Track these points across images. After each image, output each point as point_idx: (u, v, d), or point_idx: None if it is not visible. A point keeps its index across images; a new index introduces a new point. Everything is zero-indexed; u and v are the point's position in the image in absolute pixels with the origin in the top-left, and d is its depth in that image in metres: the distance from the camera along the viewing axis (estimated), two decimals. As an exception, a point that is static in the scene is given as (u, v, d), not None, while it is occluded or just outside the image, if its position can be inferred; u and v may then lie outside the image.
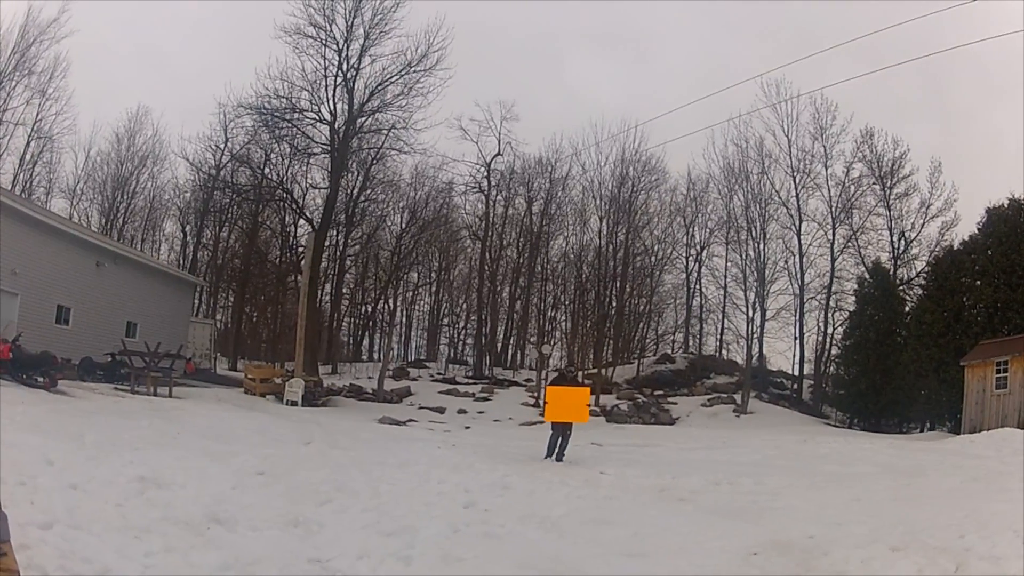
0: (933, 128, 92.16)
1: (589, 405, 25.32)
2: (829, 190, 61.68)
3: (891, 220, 59.99)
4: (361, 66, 55.54)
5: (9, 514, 3.58)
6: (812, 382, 62.15)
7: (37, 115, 61.90)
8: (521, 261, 75.79)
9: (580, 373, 48.33)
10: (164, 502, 10.59)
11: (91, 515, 9.14)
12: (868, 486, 17.18)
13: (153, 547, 8.42)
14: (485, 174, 73.04)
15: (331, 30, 54.20)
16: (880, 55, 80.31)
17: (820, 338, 63.15)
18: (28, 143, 62.64)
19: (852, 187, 61.11)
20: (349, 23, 54.63)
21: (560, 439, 22.00)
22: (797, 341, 62.86)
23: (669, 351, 69.66)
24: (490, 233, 74.75)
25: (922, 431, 45.83)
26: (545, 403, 26.00)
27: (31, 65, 59.11)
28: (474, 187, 74.10)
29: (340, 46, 54.69)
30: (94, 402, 24.94)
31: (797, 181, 61.96)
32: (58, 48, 60.31)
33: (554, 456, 21.79)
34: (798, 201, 61.71)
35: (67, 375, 29.56)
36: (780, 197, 62.09)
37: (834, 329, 61.23)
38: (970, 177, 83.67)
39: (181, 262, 70.85)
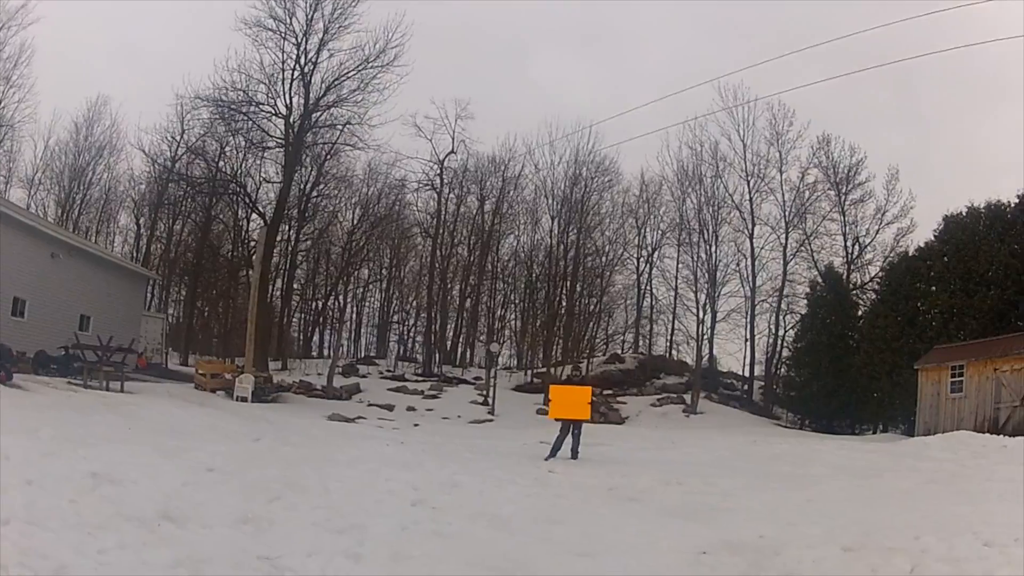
0: (896, 137, 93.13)
1: (591, 403, 25.08)
2: (783, 195, 62.50)
3: (845, 225, 60.80)
4: (319, 60, 55.89)
5: None
6: (763, 383, 62.66)
7: (0, 103, 61.56)
8: (472, 259, 76.12)
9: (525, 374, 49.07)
10: (117, 498, 10.58)
11: (47, 511, 9.16)
12: (821, 487, 17.54)
13: (107, 544, 8.43)
14: (438, 172, 73.01)
15: (291, 23, 54.45)
16: (844, 63, 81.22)
17: (771, 340, 63.73)
18: None
19: (807, 192, 61.96)
20: (309, 16, 54.88)
21: (570, 437, 22.77)
22: (748, 343, 63.51)
23: (619, 351, 69.85)
24: (441, 231, 74.81)
25: (875, 433, 46.44)
26: (549, 401, 27.39)
27: None
28: (427, 184, 74.05)
29: (299, 39, 54.94)
30: (49, 396, 24.79)
31: (751, 185, 62.79)
32: (24, 35, 60.22)
33: (568, 454, 22.56)
34: (751, 205, 62.47)
35: (22, 368, 29.47)
36: (733, 200, 62.95)
37: (785, 332, 61.85)
38: (930, 187, 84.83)
39: (134, 255, 70.56)
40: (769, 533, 11.72)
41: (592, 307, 69.34)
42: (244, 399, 37.87)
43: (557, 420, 24.06)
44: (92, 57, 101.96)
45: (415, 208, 77.80)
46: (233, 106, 54.85)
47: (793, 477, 19.88)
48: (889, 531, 11.54)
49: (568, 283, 67.06)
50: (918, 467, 22.19)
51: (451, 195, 75.76)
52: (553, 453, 22.67)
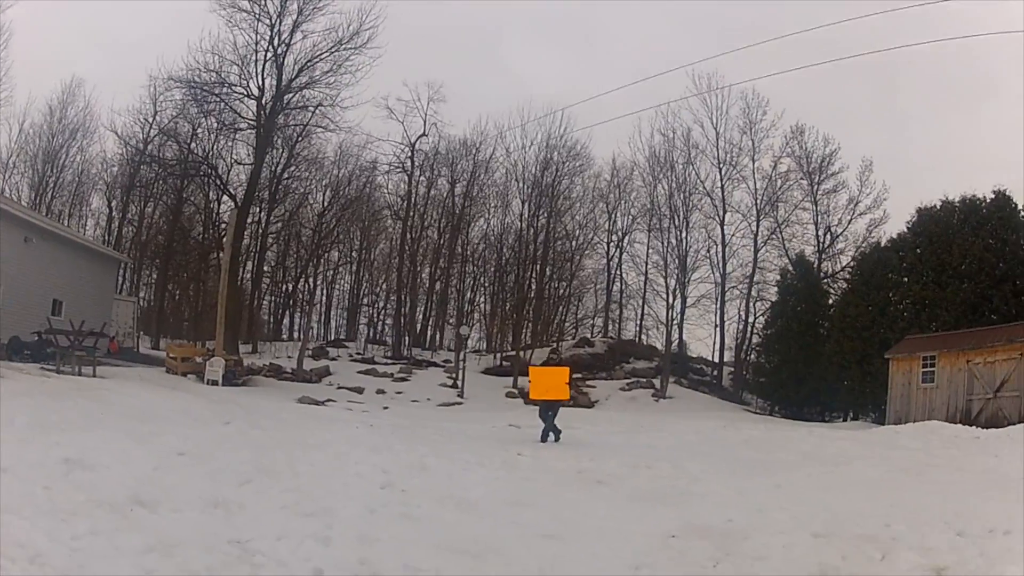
0: (872, 131, 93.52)
1: (569, 384, 25.83)
2: (755, 183, 62.95)
3: (817, 215, 61.32)
4: (292, 41, 55.70)
5: None
6: (732, 369, 62.99)
7: None
8: (442, 242, 76.15)
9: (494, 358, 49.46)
10: (89, 484, 10.68)
11: (21, 498, 9.30)
12: (789, 474, 17.67)
13: (79, 530, 8.53)
14: (409, 154, 72.98)
15: (265, 3, 54.22)
16: (820, 55, 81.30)
17: (741, 326, 64.16)
18: None
19: (779, 181, 62.44)
20: None
21: (548, 418, 23.32)
22: (718, 329, 63.90)
23: (588, 335, 70.15)
24: (412, 213, 74.85)
25: (845, 420, 46.68)
26: (529, 383, 27.11)
27: None
28: (398, 167, 74.18)
29: (273, 21, 54.66)
30: (22, 383, 24.72)
31: (723, 173, 63.22)
32: (1, 18, 58.99)
33: (552, 438, 22.97)
34: (723, 192, 62.92)
35: (-3, 355, 29.53)
36: (705, 187, 63.30)
37: (755, 318, 62.34)
38: (905, 181, 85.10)
39: (106, 238, 70.24)
40: (738, 518, 11.92)
41: (562, 291, 69.73)
42: (215, 383, 37.90)
43: (535, 403, 25.00)
44: (67, 39, 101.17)
45: (386, 191, 78.14)
46: (205, 87, 54.64)
47: (762, 463, 20.00)
48: (859, 519, 11.75)
49: (538, 267, 67.32)
50: (889, 456, 22.34)
51: (422, 178, 75.96)
52: (544, 437, 23.03)
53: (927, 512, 12.10)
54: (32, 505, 9.20)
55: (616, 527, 11.37)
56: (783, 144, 62.65)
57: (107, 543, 8.37)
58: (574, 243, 69.59)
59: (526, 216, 69.48)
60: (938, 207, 45.23)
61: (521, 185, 71.03)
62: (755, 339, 60.73)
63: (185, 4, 74.90)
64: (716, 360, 65.85)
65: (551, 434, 23.17)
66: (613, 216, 71.05)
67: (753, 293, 62.43)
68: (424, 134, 72.36)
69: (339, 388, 47.11)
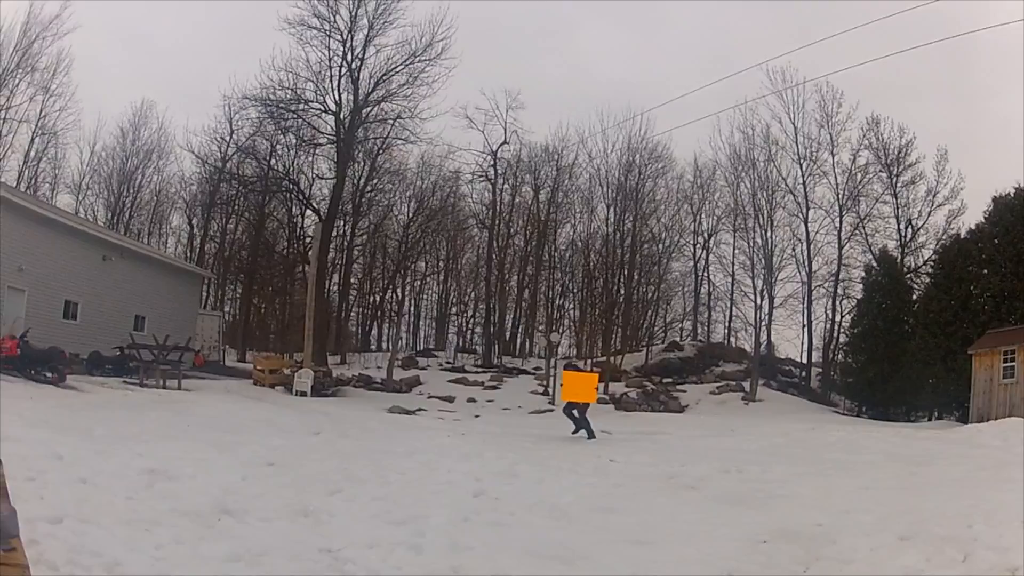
0: (943, 112, 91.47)
1: (598, 390, 28.35)
2: (836, 177, 61.43)
3: (898, 208, 59.68)
4: (366, 56, 55.81)
5: (18, 509, 3.58)
6: (820, 370, 62.00)
7: (41, 112, 62.05)
8: (528, 249, 75.45)
9: (583, 363, 49.31)
10: (173, 494, 10.61)
11: (100, 509, 9.15)
12: (875, 475, 17.10)
13: (163, 539, 8.43)
14: (492, 163, 72.33)
15: (335, 20, 54.44)
16: (889, 38, 79.71)
17: (828, 326, 62.97)
18: (32, 140, 62.70)
19: (859, 175, 60.75)
20: (353, 13, 54.88)
21: (579, 417, 25.17)
22: (805, 329, 62.77)
23: (677, 339, 69.52)
24: (497, 222, 74.37)
25: (929, 420, 45.53)
26: (561, 385, 28.75)
27: (34, 62, 59.29)
28: (481, 176, 73.46)
29: (344, 36, 54.92)
30: (103, 396, 24.99)
31: (804, 168, 61.79)
32: (61, 44, 60.57)
33: (588, 434, 24.69)
34: (805, 189, 61.56)
35: (75, 370, 29.71)
36: (787, 184, 61.99)
37: (842, 317, 61.02)
38: (978, 164, 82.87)
39: (188, 255, 70.97)
40: (825, 521, 11.53)
41: (650, 295, 68.93)
42: (303, 393, 37.85)
43: (569, 402, 26.58)
44: (134, 63, 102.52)
45: (470, 200, 77.37)
46: (282, 104, 55.21)
47: (848, 464, 19.43)
48: (942, 519, 11.24)
49: (625, 271, 66.54)
50: (969, 454, 21.69)
51: (506, 186, 75.26)
52: (591, 435, 24.76)
53: (1004, 511, 11.50)
54: (111, 515, 9.05)
55: (706, 532, 11.12)
56: (860, 137, 60.95)
57: (191, 552, 8.25)
58: (660, 246, 68.58)
59: (611, 220, 68.43)
60: (1011, 195, 43.97)
61: (605, 189, 69.89)
62: (842, 338, 59.52)
63: (253, 22, 75.80)
64: (804, 361, 64.69)
65: (583, 431, 25.03)
66: (698, 217, 69.91)
67: (839, 291, 61.19)
68: (505, 142, 71.72)
69: (429, 397, 46.77)
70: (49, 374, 26.36)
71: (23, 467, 10.10)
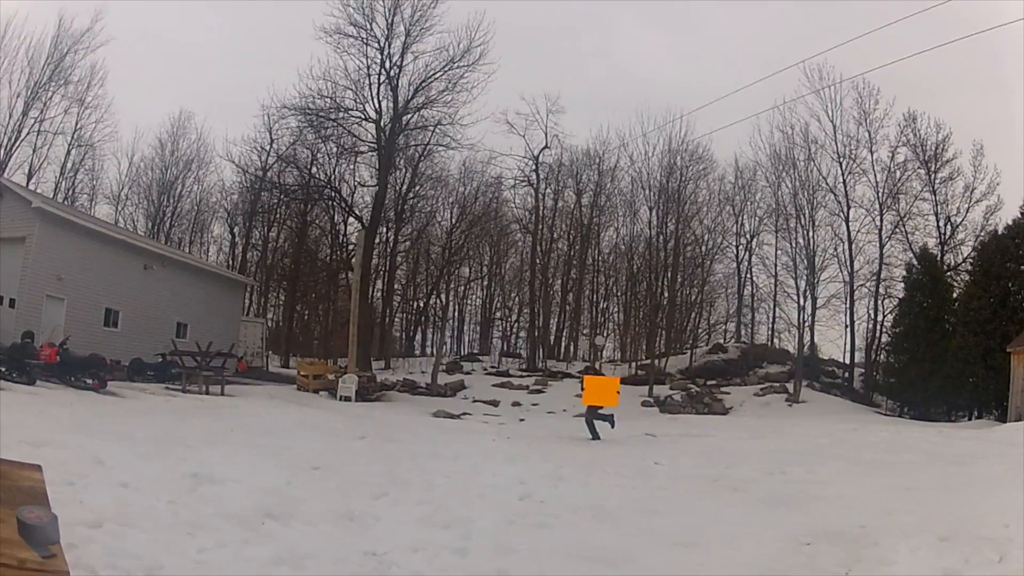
0: (976, 107, 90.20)
1: (619, 393, 28.04)
2: (875, 175, 60.64)
3: (937, 205, 58.85)
4: (404, 63, 56.16)
5: (57, 514, 3.48)
6: (863, 371, 61.50)
7: (76, 124, 62.95)
8: (572, 253, 75.43)
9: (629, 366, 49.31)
10: (217, 498, 10.57)
11: (142, 512, 9.11)
12: (917, 475, 16.97)
13: (205, 543, 8.37)
14: (533, 167, 72.66)
15: (371, 28, 54.89)
16: (922, 31, 78.51)
17: (870, 326, 62.40)
18: (68, 151, 63.64)
19: (898, 172, 59.94)
20: (389, 21, 55.28)
21: (591, 422, 26.00)
22: (848, 329, 62.20)
23: (721, 341, 69.20)
24: (540, 226, 74.50)
25: (969, 419, 45.15)
26: (583, 389, 29.24)
27: (67, 75, 60.31)
28: (523, 181, 73.84)
29: (381, 44, 55.33)
30: (144, 402, 25.20)
31: (844, 167, 61.03)
32: (94, 57, 61.55)
33: (594, 436, 25.54)
34: (845, 187, 60.84)
35: (116, 376, 29.97)
36: (827, 183, 61.29)
37: (884, 317, 60.43)
38: (1013, 158, 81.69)
39: (230, 262, 71.62)
40: (868, 522, 11.42)
41: (693, 297, 68.66)
42: (348, 398, 38.14)
43: (590, 407, 26.99)
44: (171, 76, 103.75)
45: (513, 205, 77.72)
46: (321, 113, 55.62)
47: (890, 465, 19.38)
48: (980, 519, 11.15)
49: (669, 273, 66.26)
50: (1006, 454, 21.48)
51: (548, 190, 75.48)
52: (595, 435, 25.68)
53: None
54: (153, 519, 9.00)
55: (749, 534, 11.09)
56: (898, 133, 59.91)
57: (234, 555, 8.21)
58: (703, 248, 68.35)
59: (654, 223, 68.06)
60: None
61: (647, 192, 69.57)
62: (884, 338, 58.88)
63: (289, 34, 76.48)
64: (847, 362, 64.15)
65: (608, 424, 26.24)
66: (740, 218, 69.49)
67: (881, 291, 60.51)
68: (547, 146, 71.99)
69: (474, 401, 46.90)
70: (90, 380, 26.61)
71: (62, 472, 10.04)
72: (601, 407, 26.90)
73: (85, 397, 23.94)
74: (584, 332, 74.84)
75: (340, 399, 38.03)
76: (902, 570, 9.18)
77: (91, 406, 21.49)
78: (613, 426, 26.37)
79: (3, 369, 23.90)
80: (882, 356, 57.65)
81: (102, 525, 8.12)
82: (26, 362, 24.95)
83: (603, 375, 31.57)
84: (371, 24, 54.67)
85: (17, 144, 58.46)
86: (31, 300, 34.47)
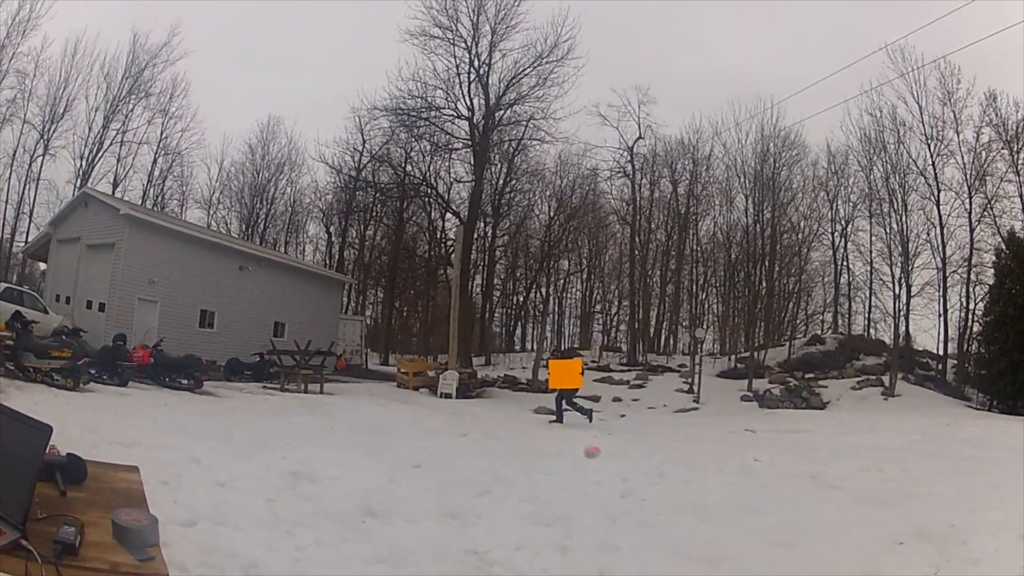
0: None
1: (583, 373, 29.88)
2: (962, 156, 59.18)
3: (1021, 186, 57.78)
4: (492, 61, 56.61)
5: (156, 516, 3.38)
6: (955, 362, 60.36)
7: (162, 133, 64.54)
8: (670, 244, 74.98)
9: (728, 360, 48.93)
10: (316, 496, 10.59)
11: (238, 511, 9.13)
12: (1004, 471, 16.56)
13: (304, 541, 8.40)
14: (628, 158, 72.10)
15: (457, 29, 55.58)
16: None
17: (963, 315, 61.16)
18: (155, 160, 65.27)
19: (983, 153, 58.83)
20: (474, 21, 55.86)
21: (560, 404, 28.26)
22: (941, 318, 60.98)
23: (819, 331, 68.31)
24: (638, 217, 73.90)
25: (1057, 412, 44.07)
26: (548, 374, 31.97)
27: (147, 88, 61.89)
28: (618, 172, 73.37)
29: (468, 44, 55.96)
30: (242, 401, 25.51)
31: (932, 149, 59.64)
32: (174, 70, 63.21)
33: (558, 418, 28.01)
34: (935, 170, 59.22)
35: (213, 376, 30.35)
36: (917, 167, 60.09)
37: (975, 304, 59.13)
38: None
39: (327, 261, 72.55)
40: (958, 520, 11.33)
41: (791, 286, 67.93)
42: (448, 395, 38.18)
43: (554, 391, 29.44)
44: (258, 84, 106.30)
45: (610, 196, 77.59)
46: (413, 113, 56.33)
47: (979, 461, 19.02)
48: None
49: (766, 263, 65.65)
50: (1090, 447, 21.12)
51: (644, 180, 74.78)
52: (559, 418, 27.96)
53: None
54: (250, 517, 9.03)
55: (845, 532, 11.14)
56: (981, 113, 58.09)
57: (333, 553, 8.27)
58: (800, 236, 67.49)
59: (751, 211, 67.44)
60: None
61: (742, 180, 68.96)
62: (976, 328, 57.58)
63: (374, 38, 77.45)
64: (940, 353, 62.87)
65: (587, 418, 27.88)
66: (834, 204, 67.74)
67: (972, 277, 59.13)
68: (640, 137, 71.52)
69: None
70: (185, 381, 26.77)
71: (156, 471, 10.03)
72: (574, 390, 28.62)
73: (180, 397, 24.15)
74: (684, 324, 74.47)
75: (441, 396, 38.07)
76: (987, 569, 9.26)
77: (186, 406, 21.69)
78: (591, 420, 27.78)
79: (93, 371, 24.05)
80: (974, 347, 56.47)
81: (197, 524, 8.17)
82: (118, 364, 25.14)
83: (569, 359, 31.77)
84: (456, 25, 55.41)
85: (100, 155, 60.22)
86: (122, 304, 35.31)
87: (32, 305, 32.77)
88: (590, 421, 27.62)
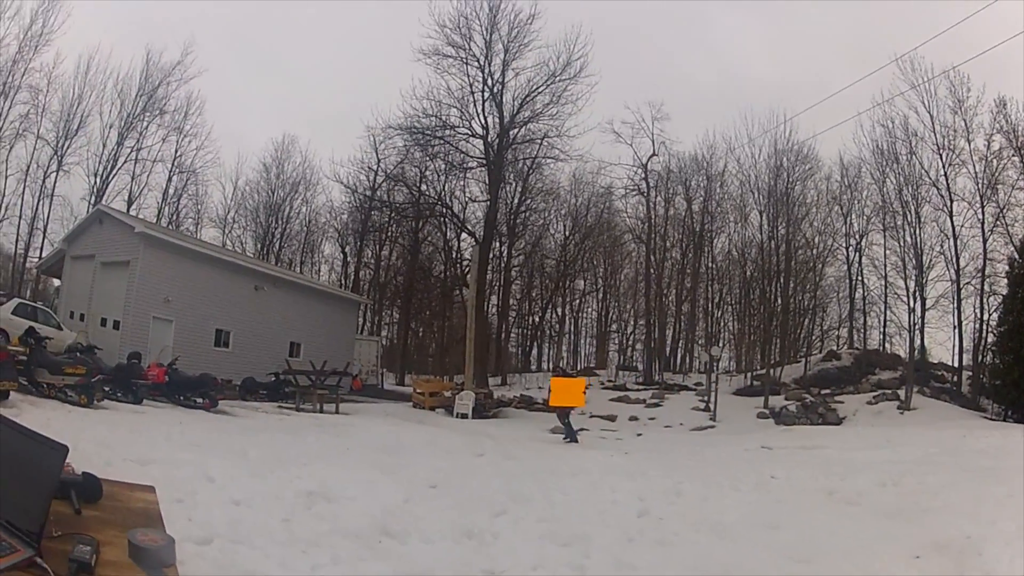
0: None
1: (585, 392, 30.79)
2: (974, 165, 59.07)
3: (1032, 193, 57.55)
4: (506, 80, 56.76)
5: (173, 536, 3.37)
6: (971, 373, 60.12)
7: (176, 151, 65.32)
8: (685, 262, 75.09)
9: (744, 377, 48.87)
10: (333, 515, 10.55)
11: (254, 530, 9.12)
12: (1020, 481, 16.51)
13: (320, 559, 8.37)
14: (643, 175, 72.04)
15: (470, 48, 55.85)
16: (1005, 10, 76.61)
17: (977, 326, 60.88)
18: (170, 178, 66.04)
19: (994, 161, 58.61)
20: (487, 40, 56.06)
21: (566, 423, 28.45)
22: (955, 330, 60.74)
23: (834, 347, 68.15)
24: (653, 235, 73.81)
25: (1072, 422, 43.90)
26: (550, 392, 31.19)
27: (161, 106, 62.60)
28: (633, 189, 73.30)
29: (482, 63, 56.16)
30: (257, 420, 25.58)
31: (944, 159, 59.53)
32: (188, 88, 63.98)
33: (571, 438, 27.89)
34: (947, 180, 58.96)
35: (228, 395, 30.50)
36: (930, 177, 59.91)
37: (989, 315, 58.84)
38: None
39: (343, 281, 72.82)
40: (974, 532, 11.39)
41: (806, 302, 67.77)
42: (464, 415, 38.13)
43: (554, 408, 29.66)
44: (272, 102, 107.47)
45: (625, 214, 77.65)
46: (428, 132, 56.43)
47: (995, 471, 18.98)
48: None
49: (781, 279, 65.56)
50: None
51: (658, 198, 74.93)
52: (573, 438, 27.99)
53: None
54: (266, 536, 9.02)
55: (863, 547, 11.22)
56: (991, 120, 58.00)
57: (349, 572, 8.26)
58: (814, 251, 67.37)
59: (765, 227, 67.19)
60: None
61: (756, 196, 68.81)
62: (991, 338, 57.37)
63: (388, 57, 77.75)
64: (955, 365, 62.61)
65: (569, 436, 28.06)
66: (848, 218, 67.78)
67: (986, 287, 58.81)
68: (654, 154, 71.48)
69: (591, 416, 46.10)
70: (200, 400, 26.89)
71: (171, 488, 9.95)
72: (572, 408, 29.16)
73: (195, 416, 24.21)
74: (700, 342, 74.21)
75: (457, 416, 38.04)
76: (1002, 579, 9.29)
77: (201, 424, 21.73)
78: (576, 441, 28.05)
79: (108, 389, 24.05)
80: (988, 357, 56.25)
81: (212, 542, 8.15)
82: (132, 382, 25.16)
83: (571, 376, 31.81)
84: (469, 44, 55.62)
85: (114, 172, 60.97)
86: (137, 322, 35.39)
87: (46, 321, 32.78)
88: (576, 442, 28.00)
